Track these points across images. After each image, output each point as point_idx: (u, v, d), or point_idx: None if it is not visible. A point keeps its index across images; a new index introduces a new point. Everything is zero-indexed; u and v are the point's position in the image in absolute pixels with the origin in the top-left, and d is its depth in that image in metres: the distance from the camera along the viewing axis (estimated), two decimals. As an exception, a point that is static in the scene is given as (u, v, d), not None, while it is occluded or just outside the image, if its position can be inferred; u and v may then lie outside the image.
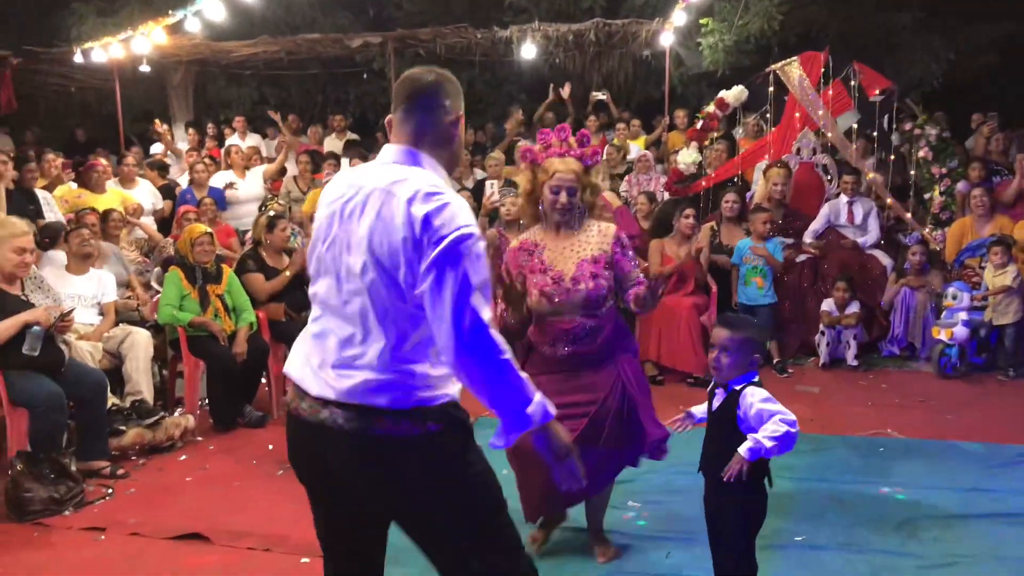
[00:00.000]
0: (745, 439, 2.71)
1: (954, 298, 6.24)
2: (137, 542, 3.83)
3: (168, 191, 8.67)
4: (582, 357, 3.33)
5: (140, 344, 5.28)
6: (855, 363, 6.52)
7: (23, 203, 6.62)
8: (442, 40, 11.11)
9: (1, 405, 4.40)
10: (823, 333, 6.62)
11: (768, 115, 8.11)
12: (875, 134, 7.83)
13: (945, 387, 6.04)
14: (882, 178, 7.72)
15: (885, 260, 7.25)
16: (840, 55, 7.73)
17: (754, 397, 2.71)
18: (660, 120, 10.32)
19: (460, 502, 2.05)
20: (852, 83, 7.64)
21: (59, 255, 5.69)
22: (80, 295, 5.35)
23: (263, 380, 5.78)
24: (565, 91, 10.52)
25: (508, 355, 1.95)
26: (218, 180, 8.51)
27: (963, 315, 6.17)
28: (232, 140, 10.53)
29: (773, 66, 7.87)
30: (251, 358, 5.45)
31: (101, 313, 5.50)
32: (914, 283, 6.71)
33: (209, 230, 5.76)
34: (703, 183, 8.09)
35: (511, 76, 12.36)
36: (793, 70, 7.68)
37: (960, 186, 7.50)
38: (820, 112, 7.58)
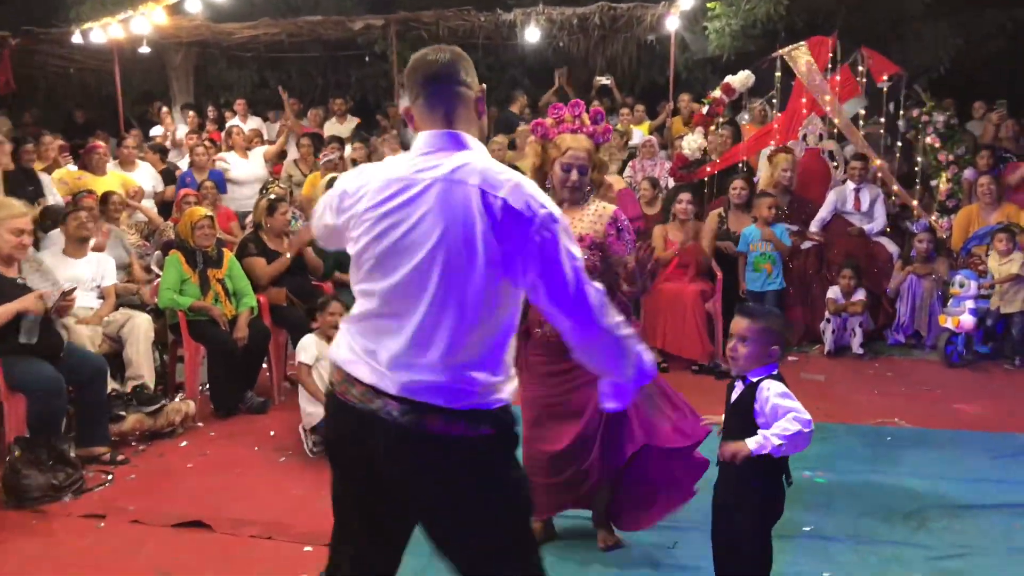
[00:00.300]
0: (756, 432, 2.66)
1: (961, 286, 6.18)
2: (137, 529, 3.80)
3: (168, 174, 8.59)
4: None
5: (140, 328, 5.23)
6: (861, 351, 6.48)
7: (23, 183, 6.55)
8: (445, 23, 11.01)
9: None
10: (828, 320, 6.57)
11: (774, 100, 8.02)
12: (883, 120, 7.75)
13: (951, 376, 6.00)
14: (888, 165, 7.65)
15: (891, 247, 7.19)
16: (848, 40, 7.65)
17: (771, 391, 2.63)
18: (664, 105, 10.23)
19: (499, 506, 2.03)
20: (860, 69, 7.56)
21: (59, 237, 5.63)
22: (79, 278, 5.28)
23: (264, 365, 5.72)
24: (563, 77, 10.43)
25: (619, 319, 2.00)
26: (219, 161, 8.43)
27: (970, 303, 6.11)
28: (233, 123, 10.44)
29: (780, 51, 7.77)
30: (252, 343, 5.40)
31: (101, 297, 5.45)
32: (920, 271, 6.66)
33: (210, 213, 5.70)
34: (708, 169, 8.01)
35: (514, 60, 12.23)
36: (800, 55, 7.59)
37: (967, 173, 7.44)
38: (827, 98, 7.49)
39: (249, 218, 7.19)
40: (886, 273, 6.92)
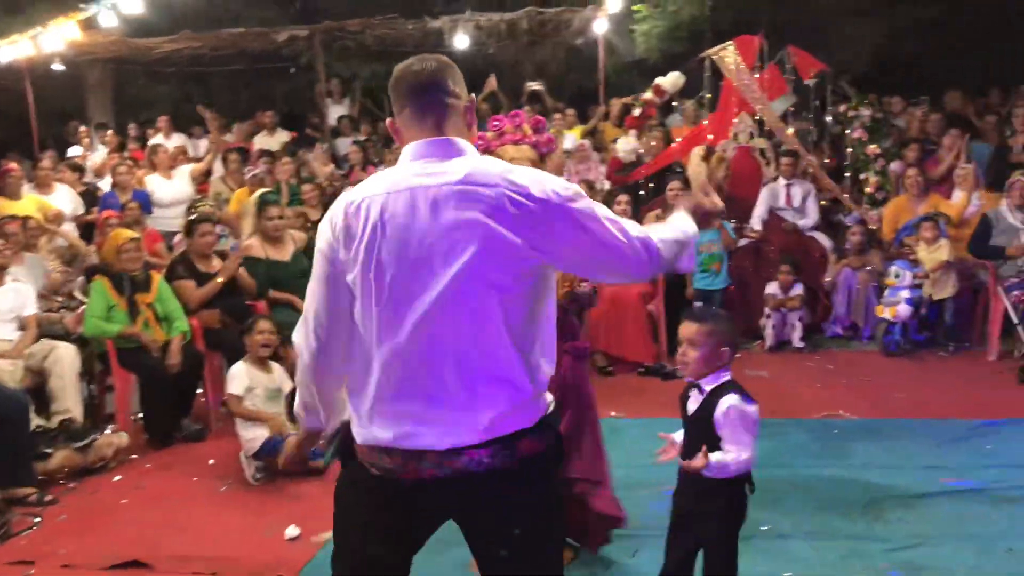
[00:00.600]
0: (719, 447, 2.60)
1: (896, 277, 6.30)
2: (70, 574, 3.58)
3: (89, 196, 8.26)
4: None
5: (65, 359, 4.98)
6: (801, 345, 6.55)
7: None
8: (372, 32, 10.85)
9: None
10: (768, 316, 6.63)
11: (705, 100, 8.09)
12: (810, 116, 7.89)
13: (890, 365, 6.10)
14: (817, 160, 7.78)
15: (825, 241, 7.31)
16: (774, 39, 7.76)
17: (730, 417, 2.57)
18: (595, 109, 10.25)
19: (558, 516, 2.03)
20: (787, 66, 7.67)
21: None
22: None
23: (199, 391, 5.51)
24: (491, 84, 10.39)
25: (670, 232, 1.95)
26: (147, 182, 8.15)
27: (906, 293, 6.23)
28: (156, 140, 10.11)
29: (708, 51, 7.85)
30: (186, 368, 5.19)
31: (20, 328, 5.17)
32: (855, 263, 6.77)
33: (136, 236, 5.47)
34: (643, 170, 8.04)
35: (444, 68, 12.12)
36: (729, 55, 7.68)
37: (894, 166, 7.61)
38: (756, 96, 7.59)
39: (177, 238, 6.95)
40: (821, 267, 7.03)
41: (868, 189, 7.64)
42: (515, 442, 1.85)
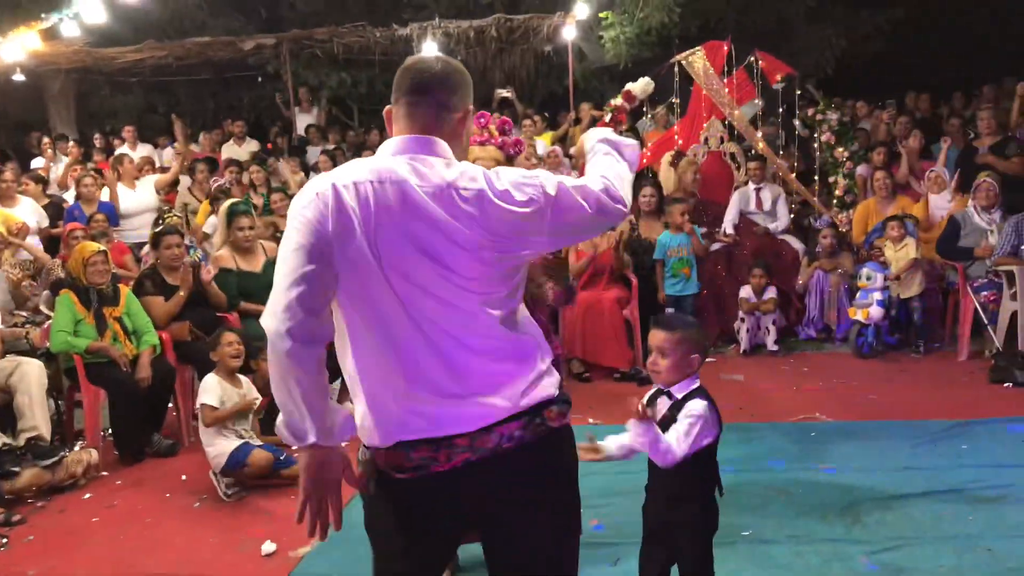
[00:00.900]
0: (694, 454, 2.58)
1: (868, 279, 6.36)
2: (40, 596, 3.49)
3: (54, 208, 8.10)
4: None
5: (32, 375, 4.86)
6: (775, 348, 6.58)
7: None
8: (339, 40, 10.81)
9: None
10: (742, 320, 6.66)
11: (675, 106, 8.13)
12: (779, 120, 7.95)
13: (863, 367, 6.15)
14: (786, 163, 7.84)
15: (796, 245, 7.37)
16: (741, 44, 7.82)
17: (688, 411, 2.56)
18: (565, 115, 10.27)
19: (575, 502, 1.99)
20: (755, 71, 7.73)
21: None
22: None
23: (170, 405, 5.41)
24: (499, 93, 10.37)
25: (607, 163, 2.00)
26: (108, 193, 8.01)
27: (877, 295, 6.29)
28: (122, 151, 9.96)
29: (678, 56, 7.88)
30: (156, 383, 5.08)
31: (-16, 344, 5.05)
32: (827, 266, 6.83)
33: (102, 248, 5.35)
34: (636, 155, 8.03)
35: (412, 76, 12.07)
36: (697, 60, 7.72)
37: (860, 169, 7.69)
38: (725, 101, 7.64)
39: (145, 250, 6.83)
40: (794, 270, 7.08)
41: (837, 192, 7.71)
42: (543, 411, 1.87)
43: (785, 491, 4.01)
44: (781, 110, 7.93)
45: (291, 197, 7.82)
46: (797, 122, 8.19)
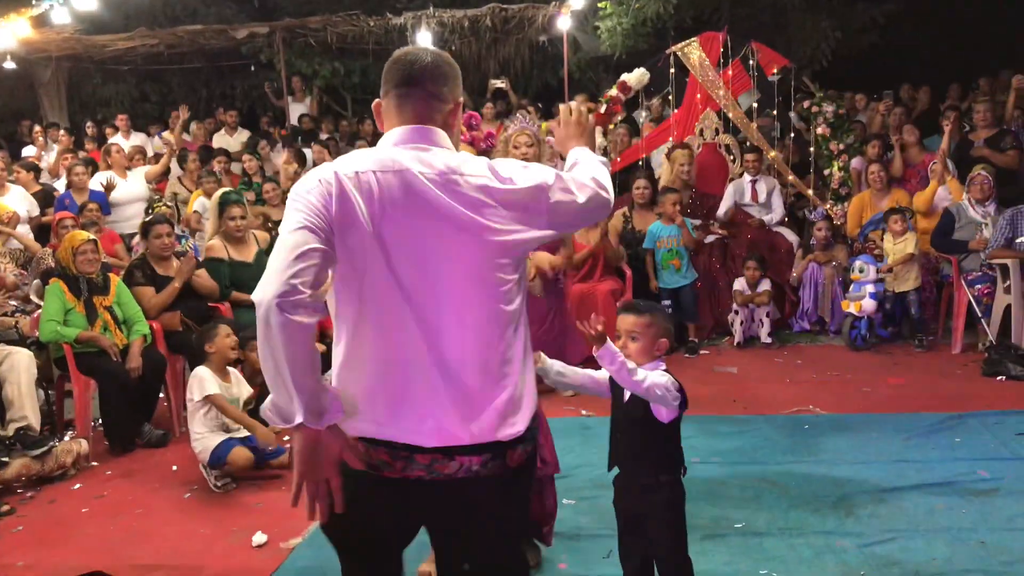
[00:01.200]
0: (660, 434, 2.60)
1: (861, 271, 6.34)
2: (29, 587, 3.46)
3: (45, 197, 8.05)
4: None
5: (21, 365, 4.81)
6: (769, 340, 6.57)
7: None
8: (333, 29, 10.76)
9: None
10: (736, 312, 6.64)
11: (671, 97, 8.10)
12: (774, 112, 7.93)
13: (857, 360, 6.14)
14: (782, 155, 7.82)
15: (791, 237, 7.35)
16: (737, 35, 7.78)
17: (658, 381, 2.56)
18: (560, 106, 10.20)
19: (523, 519, 2.17)
20: (751, 63, 7.70)
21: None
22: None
23: (161, 395, 5.38)
24: (493, 83, 10.34)
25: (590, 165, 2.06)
26: (99, 182, 7.96)
27: (870, 287, 6.28)
28: (115, 140, 9.90)
29: (673, 47, 7.85)
30: (147, 373, 5.05)
31: (-27, 333, 5.01)
32: (821, 258, 6.81)
33: (92, 237, 5.30)
34: (609, 167, 8.01)
35: (406, 65, 12.02)
36: (693, 51, 7.68)
37: (855, 162, 7.68)
38: (721, 92, 7.61)
39: (135, 240, 6.79)
40: (788, 262, 7.07)
41: (832, 185, 7.69)
42: (507, 451, 1.85)
43: (778, 483, 4.00)
44: (777, 101, 7.90)
45: (284, 188, 7.87)
46: (793, 114, 8.17)
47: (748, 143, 7.72)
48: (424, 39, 10.42)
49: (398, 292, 1.78)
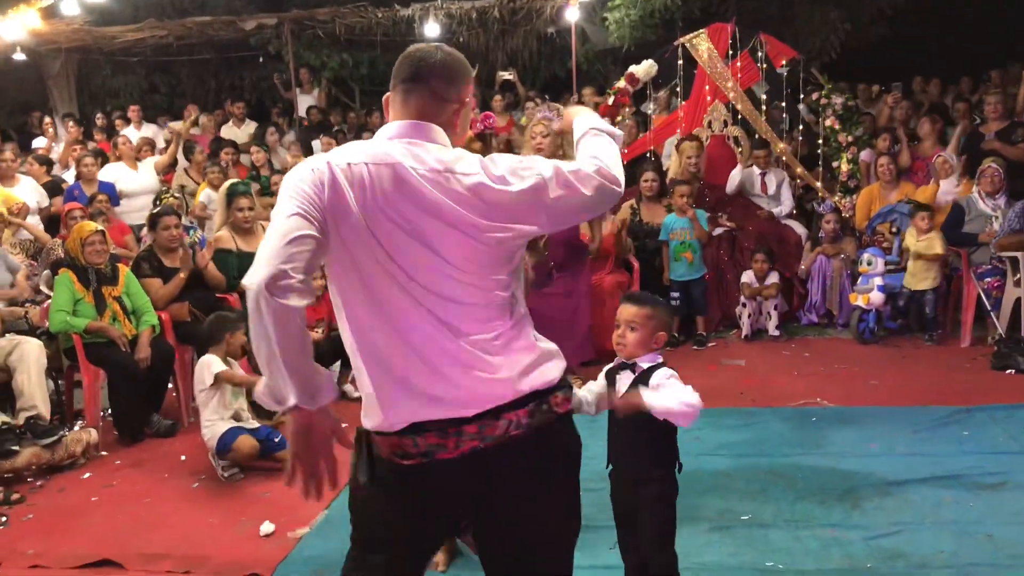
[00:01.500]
0: (655, 429, 2.60)
1: (869, 264, 6.32)
2: (38, 574, 3.48)
3: (55, 187, 8.09)
4: None
5: (31, 355, 4.84)
6: (777, 333, 6.55)
7: None
8: (341, 20, 10.76)
9: None
10: (744, 305, 6.62)
11: (679, 89, 8.07)
12: (783, 104, 7.89)
13: (865, 353, 6.12)
14: (790, 148, 7.79)
15: (799, 229, 7.33)
16: (745, 27, 7.75)
17: (665, 377, 2.60)
18: (568, 98, 10.20)
19: (576, 489, 2.01)
20: (759, 54, 7.67)
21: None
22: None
23: (170, 385, 5.41)
24: (501, 75, 10.32)
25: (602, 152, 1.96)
26: (108, 173, 7.99)
27: (878, 280, 6.25)
28: (127, 131, 9.94)
29: (681, 39, 7.82)
30: (156, 363, 5.08)
31: (-16, 323, 5.04)
32: (829, 251, 6.79)
33: (100, 228, 5.33)
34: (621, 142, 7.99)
35: (414, 57, 12.01)
36: (701, 43, 7.66)
37: (864, 155, 7.64)
38: (729, 84, 7.58)
39: (144, 232, 6.82)
40: (796, 255, 7.04)
41: (841, 177, 7.66)
42: (549, 397, 1.87)
43: (784, 476, 4.00)
44: (786, 93, 7.87)
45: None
46: (802, 106, 8.13)
47: (757, 136, 7.70)
48: (432, 31, 10.40)
49: (395, 282, 1.79)
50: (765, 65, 7.69)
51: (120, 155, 8.30)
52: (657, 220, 6.79)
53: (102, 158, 8.33)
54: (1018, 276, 5.83)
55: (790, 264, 6.97)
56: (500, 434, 1.82)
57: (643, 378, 2.63)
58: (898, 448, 4.29)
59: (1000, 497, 3.70)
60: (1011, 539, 3.32)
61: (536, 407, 1.85)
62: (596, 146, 1.98)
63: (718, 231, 7.11)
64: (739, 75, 7.62)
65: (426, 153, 1.83)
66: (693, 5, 9.63)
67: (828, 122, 7.65)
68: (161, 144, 9.83)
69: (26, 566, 3.54)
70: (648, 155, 7.99)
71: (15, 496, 4.20)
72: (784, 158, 7.69)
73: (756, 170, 7.41)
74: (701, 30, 7.76)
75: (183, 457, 4.72)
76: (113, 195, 7.61)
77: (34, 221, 7.22)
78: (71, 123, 10.33)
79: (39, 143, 10.21)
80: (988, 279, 6.04)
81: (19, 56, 10.39)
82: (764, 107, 7.75)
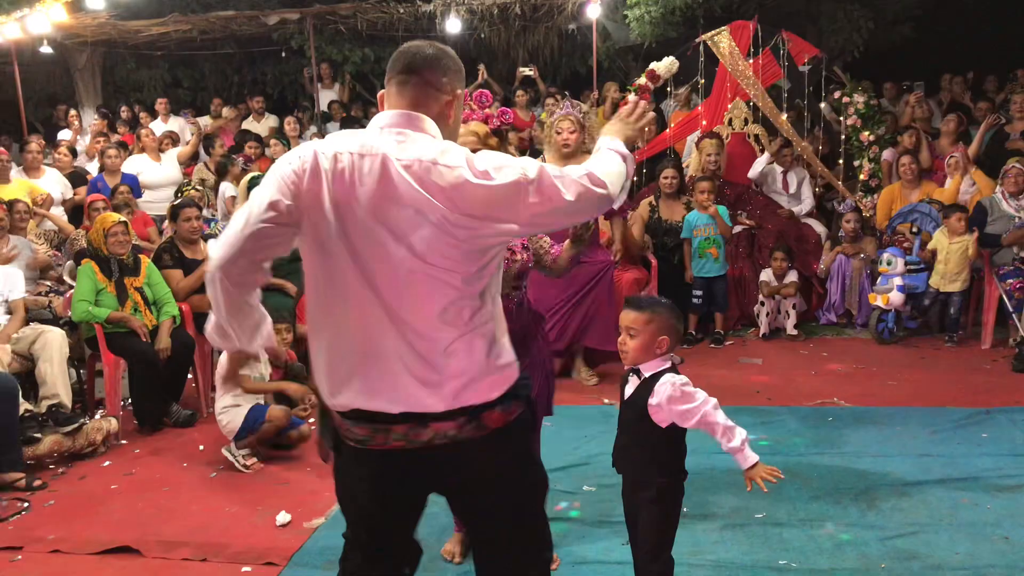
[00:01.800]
0: (659, 436, 2.58)
1: (889, 264, 6.28)
2: (59, 560, 3.54)
3: (79, 178, 8.18)
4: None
5: (54, 344, 4.91)
6: (795, 332, 6.53)
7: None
8: (363, 16, 10.77)
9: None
10: (763, 303, 6.60)
11: (699, 86, 8.04)
12: (805, 103, 7.85)
13: (884, 353, 6.08)
14: (811, 146, 7.75)
15: (819, 228, 7.30)
16: (767, 24, 7.71)
17: (674, 383, 2.54)
18: (588, 95, 10.18)
19: (539, 481, 2.15)
20: (781, 52, 7.62)
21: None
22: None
23: (189, 376, 5.46)
24: (482, 73, 10.31)
25: (603, 169, 1.94)
26: (131, 165, 8.07)
27: (898, 280, 6.21)
28: (155, 124, 10.04)
29: (703, 36, 7.79)
30: (176, 353, 5.13)
31: (8, 312, 5.11)
32: (849, 250, 6.75)
33: (123, 219, 5.38)
34: (636, 156, 7.98)
35: (435, 52, 12.04)
36: (723, 40, 7.61)
37: (886, 154, 7.59)
38: (750, 82, 7.54)
39: (166, 223, 6.89)
40: (815, 254, 7.01)
41: (862, 176, 7.61)
42: (480, 414, 1.91)
43: (800, 475, 3.98)
44: (808, 91, 7.82)
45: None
46: (824, 105, 8.08)
47: (779, 134, 7.65)
48: (453, 26, 10.41)
49: (357, 270, 1.85)
50: (787, 63, 7.64)
51: (143, 147, 8.38)
52: (676, 217, 6.78)
53: (125, 150, 8.42)
54: (1040, 277, 5.77)
55: (809, 263, 6.94)
56: (426, 441, 1.90)
57: (647, 386, 2.59)
58: (915, 449, 4.26)
59: (1017, 499, 3.68)
60: (1028, 541, 3.30)
61: (466, 421, 1.90)
62: (599, 159, 2.01)
63: (737, 229, 7.09)
64: (760, 73, 7.58)
65: (413, 143, 1.86)
66: (715, 3, 9.57)
67: (850, 121, 7.61)
68: (187, 137, 9.91)
69: (47, 551, 3.60)
70: (668, 152, 7.97)
71: (37, 483, 4.26)
72: (805, 156, 7.65)
73: (778, 168, 7.38)
74: (723, 27, 7.71)
75: (202, 447, 4.77)
76: (136, 187, 7.69)
77: (58, 212, 7.32)
78: (96, 116, 10.44)
79: (64, 135, 10.32)
80: (1010, 280, 5.98)
81: (46, 49, 10.50)
82: (784, 105, 7.71)
